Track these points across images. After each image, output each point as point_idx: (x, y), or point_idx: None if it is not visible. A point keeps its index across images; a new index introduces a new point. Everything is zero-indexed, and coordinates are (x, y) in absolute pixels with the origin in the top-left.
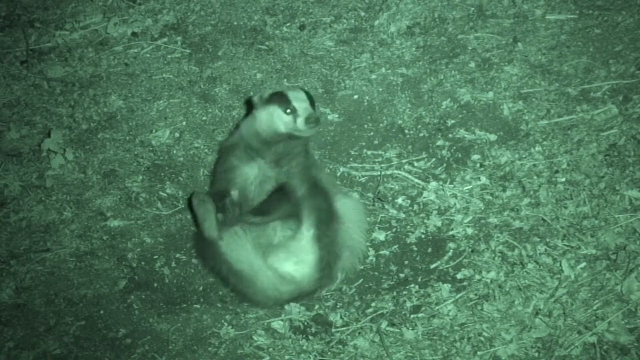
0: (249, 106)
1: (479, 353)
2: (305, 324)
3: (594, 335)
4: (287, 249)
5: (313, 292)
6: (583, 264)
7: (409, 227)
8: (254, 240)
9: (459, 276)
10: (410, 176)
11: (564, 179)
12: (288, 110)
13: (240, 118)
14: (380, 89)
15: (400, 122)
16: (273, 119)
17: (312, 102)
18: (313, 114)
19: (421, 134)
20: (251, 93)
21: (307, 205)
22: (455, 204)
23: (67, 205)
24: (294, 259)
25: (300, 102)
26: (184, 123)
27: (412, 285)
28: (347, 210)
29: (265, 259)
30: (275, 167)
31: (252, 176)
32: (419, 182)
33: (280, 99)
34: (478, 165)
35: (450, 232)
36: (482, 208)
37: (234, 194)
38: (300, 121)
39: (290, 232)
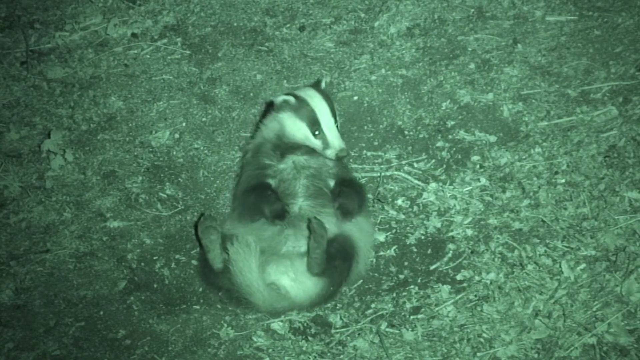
0: (269, 107)
1: (478, 354)
2: (305, 325)
3: (593, 337)
4: (291, 263)
5: (308, 309)
6: (583, 265)
7: (408, 228)
8: (263, 244)
9: (458, 277)
10: (410, 177)
11: (563, 180)
12: (317, 133)
13: (259, 118)
14: (380, 90)
15: (400, 123)
16: (298, 134)
17: (334, 116)
18: (344, 150)
19: (421, 135)
20: (262, 96)
21: (332, 254)
22: (455, 205)
23: (67, 206)
24: (292, 275)
25: (332, 133)
26: (184, 124)
27: (412, 287)
28: (358, 227)
29: (265, 266)
30: (309, 157)
31: (288, 170)
32: (419, 183)
33: (309, 117)
34: (478, 166)
35: (450, 234)
36: (482, 209)
37: (273, 182)
38: (330, 152)
39: (302, 248)
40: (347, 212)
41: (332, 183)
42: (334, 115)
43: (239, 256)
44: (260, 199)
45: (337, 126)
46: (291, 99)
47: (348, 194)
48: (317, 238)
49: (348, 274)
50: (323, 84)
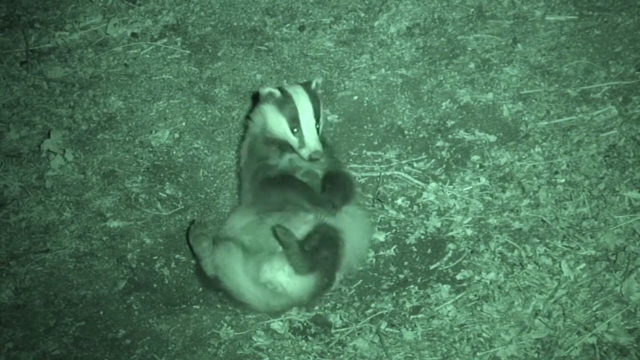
0: (256, 100)
1: (478, 354)
2: (305, 324)
3: (593, 336)
4: (286, 260)
5: (307, 305)
6: (583, 265)
7: (408, 228)
8: (260, 240)
9: (458, 277)
10: (409, 177)
11: (563, 180)
12: (295, 130)
13: (247, 114)
14: (380, 90)
15: (399, 123)
16: (278, 128)
17: (317, 117)
18: (318, 153)
19: (421, 135)
20: (260, 89)
21: (315, 247)
22: (454, 204)
23: (67, 206)
24: (288, 270)
25: (310, 134)
26: (184, 124)
27: (412, 286)
28: (351, 217)
29: (261, 264)
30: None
31: (285, 168)
32: (419, 183)
33: (291, 113)
34: (478, 166)
35: (450, 233)
36: (482, 209)
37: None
38: (304, 152)
39: None
40: (329, 206)
41: (320, 175)
42: (317, 117)
43: (222, 262)
44: (299, 189)
45: (318, 128)
46: (276, 92)
47: (332, 190)
48: (285, 244)
49: (338, 261)
50: (314, 85)
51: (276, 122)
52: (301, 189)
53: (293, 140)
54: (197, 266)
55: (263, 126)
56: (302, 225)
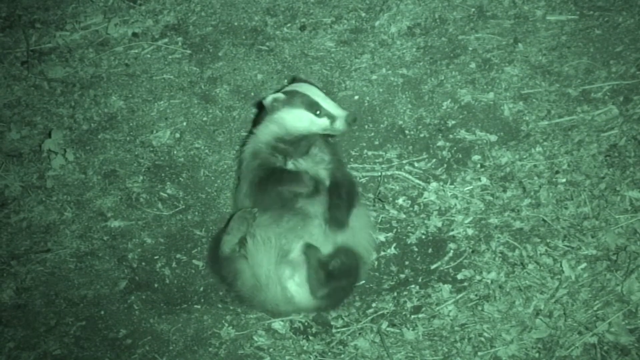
0: (260, 109)
1: (479, 354)
2: (306, 324)
3: (594, 336)
4: (297, 269)
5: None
6: (583, 265)
7: (409, 227)
8: (270, 240)
9: (459, 277)
10: (410, 177)
11: (564, 180)
12: (318, 112)
13: (251, 122)
14: (381, 90)
15: (400, 122)
16: (301, 123)
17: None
18: (352, 114)
19: (422, 135)
20: (261, 95)
21: (336, 274)
22: (455, 204)
23: (68, 206)
24: (298, 280)
25: (333, 106)
26: (185, 123)
27: (413, 286)
28: (356, 220)
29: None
30: (307, 158)
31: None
32: (420, 182)
33: (305, 102)
34: (478, 165)
35: (451, 233)
36: (483, 209)
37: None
38: (339, 123)
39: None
40: (339, 224)
41: (327, 182)
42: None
43: (260, 247)
44: (284, 179)
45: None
46: (280, 95)
47: (336, 204)
48: (309, 265)
49: (354, 287)
50: (302, 77)
51: (297, 118)
52: (292, 178)
53: (322, 122)
54: (214, 244)
55: (280, 132)
56: (315, 231)
